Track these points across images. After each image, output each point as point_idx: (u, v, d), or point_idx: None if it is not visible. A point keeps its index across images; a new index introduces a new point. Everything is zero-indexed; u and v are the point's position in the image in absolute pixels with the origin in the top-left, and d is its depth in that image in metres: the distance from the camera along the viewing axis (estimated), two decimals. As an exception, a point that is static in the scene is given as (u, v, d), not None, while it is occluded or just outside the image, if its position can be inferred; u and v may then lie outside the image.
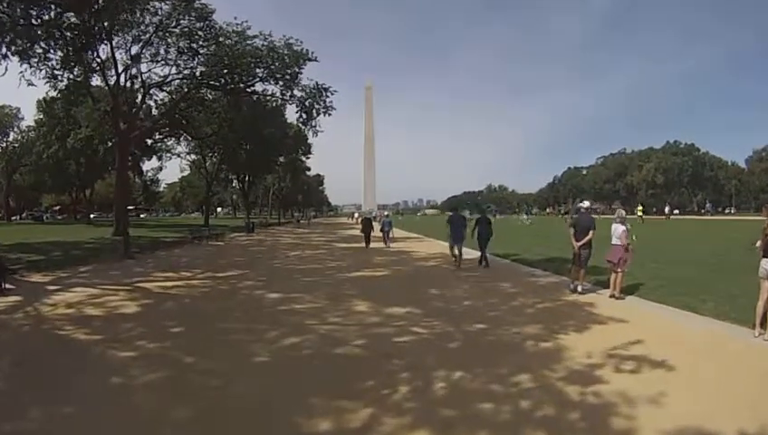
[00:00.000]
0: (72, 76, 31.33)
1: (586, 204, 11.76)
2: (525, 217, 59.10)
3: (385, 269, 15.52)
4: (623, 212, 11.03)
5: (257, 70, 31.70)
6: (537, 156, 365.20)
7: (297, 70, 31.74)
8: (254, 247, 26.45)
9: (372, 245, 24.66)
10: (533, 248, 20.78)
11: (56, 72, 29.60)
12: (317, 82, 32.58)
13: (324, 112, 33.10)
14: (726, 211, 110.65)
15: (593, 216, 11.83)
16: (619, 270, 10.00)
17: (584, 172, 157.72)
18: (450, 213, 18.84)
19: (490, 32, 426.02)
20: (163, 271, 15.28)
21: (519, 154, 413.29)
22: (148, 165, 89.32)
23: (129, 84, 33.92)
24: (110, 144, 50.95)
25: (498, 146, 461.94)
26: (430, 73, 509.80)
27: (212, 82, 32.94)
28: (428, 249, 21.14)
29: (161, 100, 38.50)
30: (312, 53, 31.69)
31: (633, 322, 7.87)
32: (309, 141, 71.05)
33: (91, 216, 64.02)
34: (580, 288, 10.71)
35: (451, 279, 13.22)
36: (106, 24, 27.08)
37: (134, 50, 31.39)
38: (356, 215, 53.71)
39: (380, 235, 26.32)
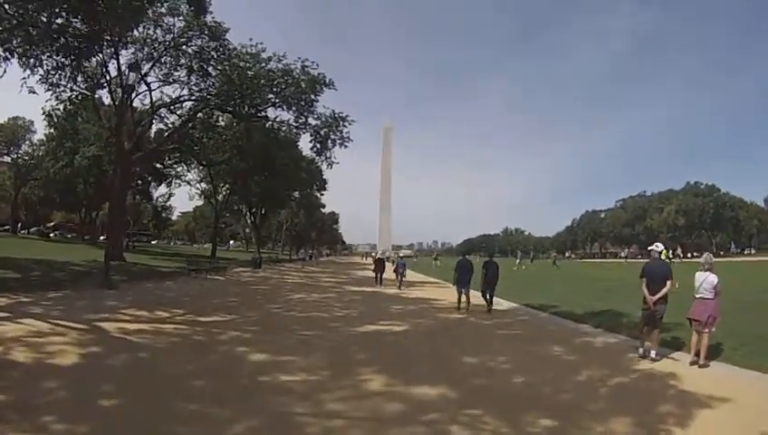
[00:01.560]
0: (75, 87, 29.86)
1: (660, 247, 9.18)
2: (518, 261, 54.61)
3: (403, 322, 12.74)
4: (711, 257, 8.60)
5: (270, 95, 29.78)
6: (555, 199, 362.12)
7: (313, 97, 29.85)
8: (256, 286, 23.72)
9: (385, 289, 23.18)
10: (569, 298, 18.06)
11: (59, 81, 28.35)
12: (333, 111, 30.76)
13: (341, 144, 31.17)
14: (746, 252, 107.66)
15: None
16: (705, 331, 7.84)
17: (602, 215, 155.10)
18: (460, 257, 17.66)
19: (508, 76, 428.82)
20: (138, 307, 12.96)
21: (537, 197, 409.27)
22: (161, 191, 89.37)
23: (134, 101, 32.40)
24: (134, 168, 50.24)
25: (516, 189, 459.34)
26: (448, 117, 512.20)
27: (222, 105, 31.00)
28: (451, 297, 18.06)
29: (171, 123, 36.71)
30: (330, 79, 29.82)
31: (739, 400, 6.08)
32: (324, 177, 69.90)
33: (101, 238, 62.86)
34: (653, 353, 8.38)
35: (486, 338, 10.70)
36: (110, 34, 25.49)
37: (145, 69, 29.98)
38: (374, 254, 51.25)
39: (393, 276, 25.63)
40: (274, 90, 29.39)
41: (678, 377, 7.13)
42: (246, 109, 30.89)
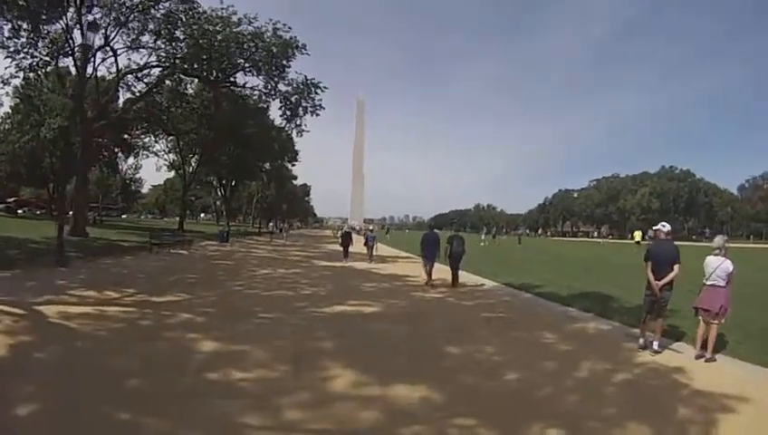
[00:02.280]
0: (35, 54, 28.05)
1: (667, 227, 8.21)
2: (483, 237, 53.64)
3: (375, 302, 11.62)
4: (723, 241, 7.73)
5: (239, 60, 28.10)
6: (528, 177, 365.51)
7: (285, 62, 28.27)
8: (220, 261, 22.28)
9: (355, 264, 22.70)
10: (550, 278, 17.43)
11: (19, 47, 26.82)
12: (306, 77, 29.11)
13: (312, 112, 29.65)
14: (707, 235, 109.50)
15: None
16: (715, 322, 7.07)
17: (575, 195, 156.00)
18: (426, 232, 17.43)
19: (485, 53, 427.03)
20: (88, 287, 11.65)
21: (513, 177, 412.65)
22: (129, 163, 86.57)
23: (98, 68, 30.62)
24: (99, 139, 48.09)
25: (488, 166, 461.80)
26: (422, 92, 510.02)
27: (189, 70, 29.26)
28: (439, 275, 17.19)
29: (139, 91, 34.62)
30: (303, 44, 28.20)
31: (759, 401, 5.40)
32: (296, 148, 68.23)
33: (70, 213, 60.17)
34: (656, 344, 7.53)
35: (469, 323, 9.70)
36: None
37: (111, 35, 28.33)
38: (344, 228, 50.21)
39: (365, 250, 25.93)
40: (244, 54, 27.68)
41: (687, 373, 6.35)
42: (215, 74, 29.19)
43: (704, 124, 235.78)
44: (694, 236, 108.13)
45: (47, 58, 28.63)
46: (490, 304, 11.88)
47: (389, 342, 7.81)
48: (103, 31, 28.26)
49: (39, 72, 29.85)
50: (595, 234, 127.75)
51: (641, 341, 7.73)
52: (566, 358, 7.08)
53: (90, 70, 29.52)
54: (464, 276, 16.16)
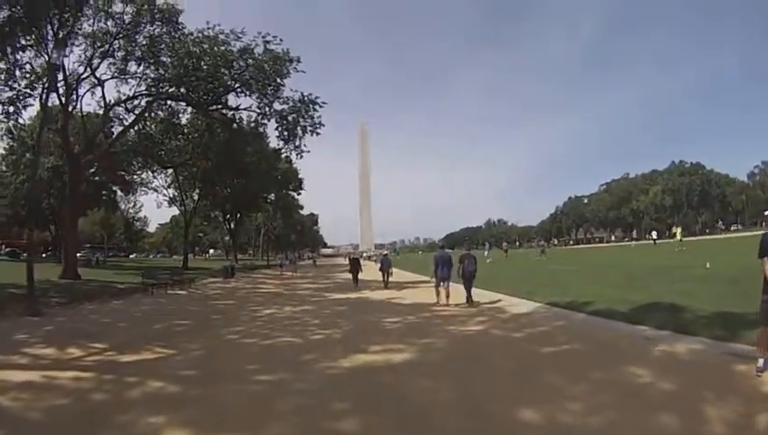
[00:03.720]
0: (14, 86, 26.33)
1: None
2: (487, 253, 51.11)
3: (405, 345, 8.95)
4: None
5: (228, 81, 26.21)
6: (537, 188, 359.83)
7: (279, 80, 26.38)
8: (219, 301, 20.01)
9: (371, 293, 20.58)
10: (593, 290, 14.86)
11: None
12: (302, 94, 27.09)
13: (312, 131, 27.54)
14: (732, 229, 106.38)
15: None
16: None
17: (585, 201, 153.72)
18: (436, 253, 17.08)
19: (482, 65, 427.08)
20: (50, 343, 9.81)
21: (518, 187, 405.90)
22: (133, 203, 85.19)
23: (81, 99, 29.03)
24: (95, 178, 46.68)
25: (494, 179, 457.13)
26: (422, 112, 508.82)
27: (176, 94, 27.43)
28: (458, 301, 14.90)
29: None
30: (297, 57, 26.26)
31: None
32: (300, 177, 66.66)
33: (78, 254, 58.56)
34: None
35: (531, 364, 7.38)
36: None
37: (95, 64, 26.91)
38: (351, 254, 47.94)
39: (379, 276, 23.95)
40: (233, 73, 25.79)
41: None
42: (204, 97, 27.27)
43: (702, 114, 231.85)
44: (707, 230, 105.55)
45: (27, 90, 26.86)
46: (545, 334, 9.59)
47: (436, 413, 5.33)
48: (87, 60, 27.16)
49: (18, 105, 27.98)
50: (612, 238, 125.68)
51: (761, 362, 5.71)
52: (680, 406, 4.95)
53: (77, 103, 28.42)
54: (499, 297, 15.03)
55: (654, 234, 75.59)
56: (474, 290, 14.80)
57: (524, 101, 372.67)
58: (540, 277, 22.28)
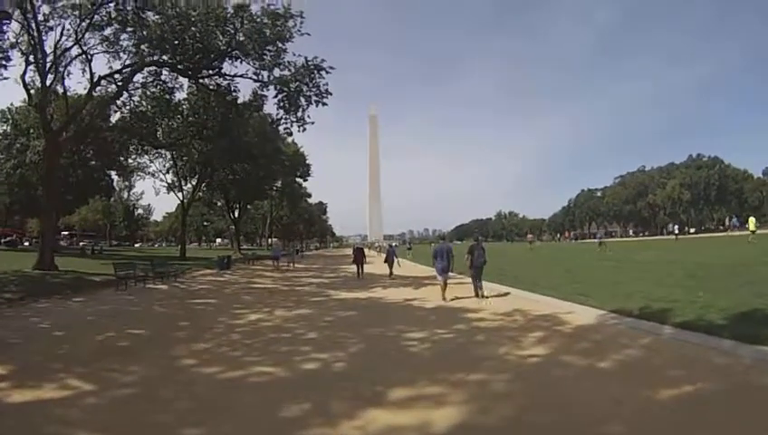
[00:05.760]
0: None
1: None
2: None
3: (446, 388, 5.59)
4: None
5: (219, 44, 22.94)
6: (549, 180, 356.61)
7: (280, 45, 23.16)
8: (200, 299, 16.37)
9: (383, 291, 17.35)
10: (658, 293, 11.67)
11: None
12: (306, 59, 23.60)
13: (317, 101, 24.13)
14: (746, 226, 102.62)
15: None
16: None
17: (599, 194, 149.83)
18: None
19: (496, 52, 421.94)
20: None
21: (530, 179, 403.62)
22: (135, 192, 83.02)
23: (62, 72, 26.18)
24: (91, 163, 44.54)
25: (505, 171, 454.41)
26: (435, 103, 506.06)
27: (159, 60, 24.34)
28: (500, 307, 11.68)
29: (122, 101, 30.03)
30: (300, 13, 22.97)
31: None
32: (308, 162, 63.80)
33: (81, 244, 56.20)
34: None
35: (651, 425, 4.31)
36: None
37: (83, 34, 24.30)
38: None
39: (385, 268, 23.62)
40: (226, 34, 22.50)
41: None
42: (193, 63, 24.11)
43: (718, 109, 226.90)
44: (722, 227, 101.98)
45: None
46: (640, 362, 6.50)
47: None
48: (74, 31, 24.65)
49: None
50: (634, 232, 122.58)
51: None
52: None
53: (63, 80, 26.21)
54: (544, 301, 12.43)
55: (675, 228, 72.16)
56: (516, 291, 14.12)
57: (537, 92, 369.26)
58: (584, 274, 19.10)
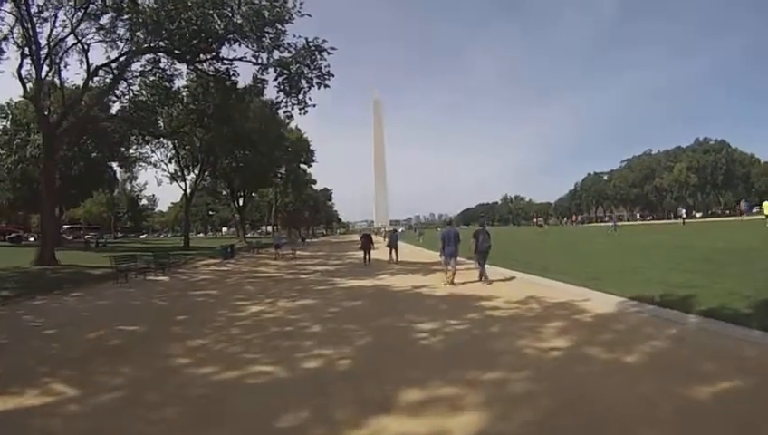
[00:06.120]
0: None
1: None
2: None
3: (461, 388, 5.05)
4: None
5: (216, 27, 22.24)
6: (555, 165, 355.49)
7: (279, 27, 22.53)
8: (201, 290, 15.77)
9: (387, 276, 17.72)
10: (676, 279, 11.27)
11: None
12: (307, 40, 22.96)
13: (319, 83, 23.44)
14: (755, 211, 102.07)
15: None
16: None
17: (605, 177, 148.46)
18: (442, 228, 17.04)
19: (500, 39, 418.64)
20: None
21: (536, 164, 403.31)
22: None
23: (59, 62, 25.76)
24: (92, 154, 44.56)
25: (511, 155, 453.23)
26: (440, 90, 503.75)
27: (156, 46, 23.75)
28: (518, 293, 11.31)
29: (121, 91, 29.59)
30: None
31: None
32: (312, 148, 63.34)
33: (87, 237, 56.02)
34: None
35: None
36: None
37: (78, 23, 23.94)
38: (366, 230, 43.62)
39: (386, 255, 23.97)
40: (224, 17, 21.82)
41: None
42: (189, 48, 23.48)
43: (727, 95, 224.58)
44: (728, 211, 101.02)
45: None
46: (668, 354, 6.08)
47: None
48: (69, 20, 24.35)
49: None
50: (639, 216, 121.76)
51: None
52: None
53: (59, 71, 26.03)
54: (559, 287, 12.03)
55: (683, 212, 71.45)
56: (528, 277, 14.26)
57: (541, 79, 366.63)
58: (595, 258, 18.59)
